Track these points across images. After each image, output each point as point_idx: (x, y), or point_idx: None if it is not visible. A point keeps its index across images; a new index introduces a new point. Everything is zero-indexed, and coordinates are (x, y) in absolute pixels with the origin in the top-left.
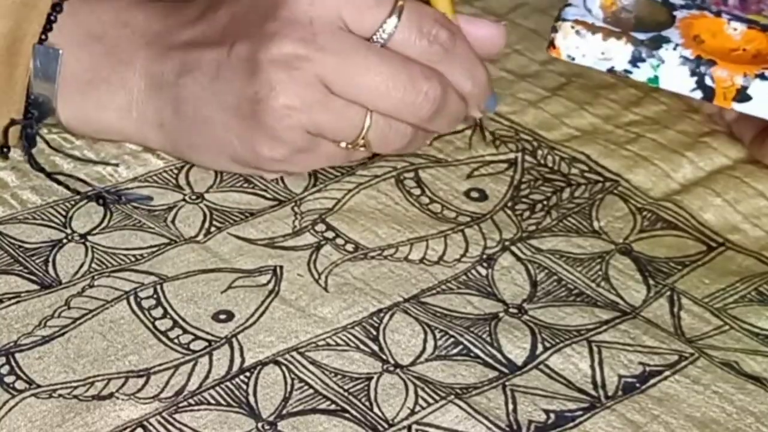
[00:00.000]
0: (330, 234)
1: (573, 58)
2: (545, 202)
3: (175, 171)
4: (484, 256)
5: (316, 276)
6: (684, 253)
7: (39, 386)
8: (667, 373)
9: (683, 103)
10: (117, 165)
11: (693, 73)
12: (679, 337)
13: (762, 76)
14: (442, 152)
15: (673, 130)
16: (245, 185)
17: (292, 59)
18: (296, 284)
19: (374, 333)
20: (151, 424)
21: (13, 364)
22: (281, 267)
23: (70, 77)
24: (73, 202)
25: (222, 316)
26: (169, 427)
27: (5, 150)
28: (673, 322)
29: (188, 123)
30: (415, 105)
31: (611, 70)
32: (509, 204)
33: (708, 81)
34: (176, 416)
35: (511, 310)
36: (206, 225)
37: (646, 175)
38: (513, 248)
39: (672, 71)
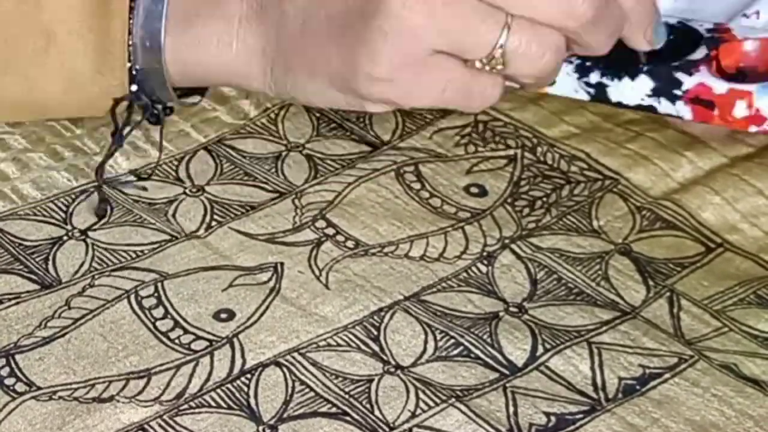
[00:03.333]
0: (330, 231)
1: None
2: (545, 199)
3: (175, 163)
4: (485, 254)
5: (317, 273)
6: (683, 255)
7: (39, 388)
8: (666, 375)
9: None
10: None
11: None
12: (678, 339)
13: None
14: (442, 147)
15: (672, 129)
16: (245, 177)
17: None
18: (297, 282)
19: (375, 333)
20: (151, 427)
21: (13, 365)
22: (282, 264)
23: (168, 15)
24: (73, 196)
25: (223, 315)
26: (170, 430)
27: (120, 138)
28: (673, 323)
29: (290, 41)
30: (570, 5)
31: None
32: (509, 200)
33: None
34: (177, 419)
35: (511, 309)
36: (207, 219)
37: (645, 174)
38: (513, 246)
39: None
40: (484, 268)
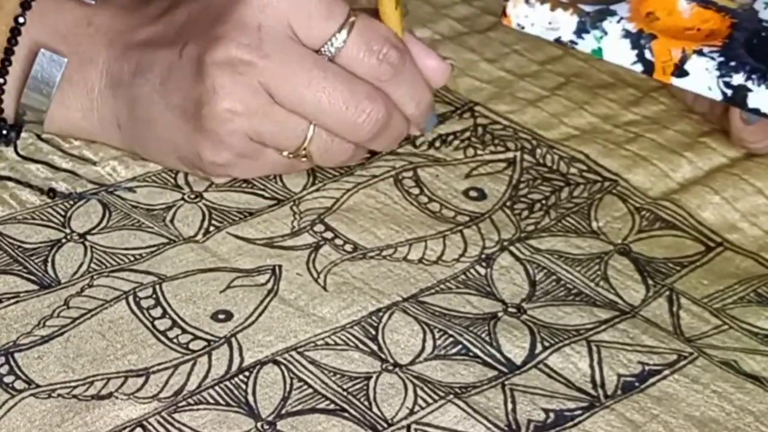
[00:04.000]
0: (329, 234)
1: (522, 27)
2: (544, 202)
3: (174, 171)
4: (483, 256)
5: (315, 275)
6: (682, 254)
7: (38, 386)
8: (666, 372)
9: (682, 103)
10: (95, 163)
11: (634, 46)
12: (678, 337)
13: (700, 52)
14: (441, 151)
15: (671, 129)
16: (244, 185)
17: (236, 63)
18: (295, 284)
19: (373, 332)
20: (150, 423)
21: (13, 364)
22: (280, 266)
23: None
24: (72, 202)
25: (221, 316)
26: (169, 426)
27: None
28: (672, 321)
29: (140, 123)
30: (356, 125)
31: (558, 40)
32: (508, 203)
33: (648, 55)
34: (175, 416)
35: (510, 309)
36: (205, 224)
37: (645, 175)
38: (512, 248)
39: (614, 44)
40: (482, 270)
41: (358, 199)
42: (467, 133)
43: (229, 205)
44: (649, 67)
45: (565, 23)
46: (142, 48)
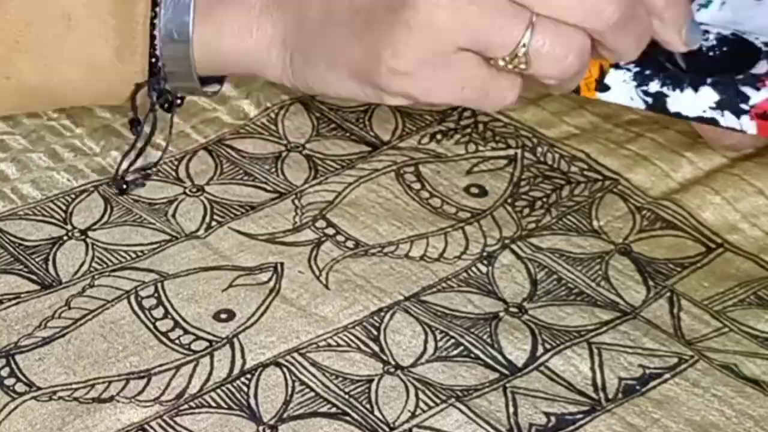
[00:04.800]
0: (330, 231)
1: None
2: (545, 200)
3: (175, 163)
4: (485, 254)
5: (317, 273)
6: (683, 255)
7: (39, 388)
8: (666, 375)
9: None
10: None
11: None
12: (678, 339)
13: (617, 66)
14: (442, 147)
15: (672, 129)
16: (245, 177)
17: None
18: (297, 282)
19: (375, 333)
20: (151, 427)
21: (14, 366)
22: (282, 264)
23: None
24: (73, 196)
25: (223, 316)
26: (170, 430)
27: (138, 126)
28: (673, 323)
29: (312, 32)
30: (596, 7)
31: None
32: (509, 200)
33: None
34: (177, 419)
35: (511, 309)
36: (207, 219)
37: (645, 175)
38: (513, 246)
39: None
40: (484, 269)
41: (359, 192)
42: (468, 129)
43: (230, 198)
44: (576, 87)
45: None
46: None
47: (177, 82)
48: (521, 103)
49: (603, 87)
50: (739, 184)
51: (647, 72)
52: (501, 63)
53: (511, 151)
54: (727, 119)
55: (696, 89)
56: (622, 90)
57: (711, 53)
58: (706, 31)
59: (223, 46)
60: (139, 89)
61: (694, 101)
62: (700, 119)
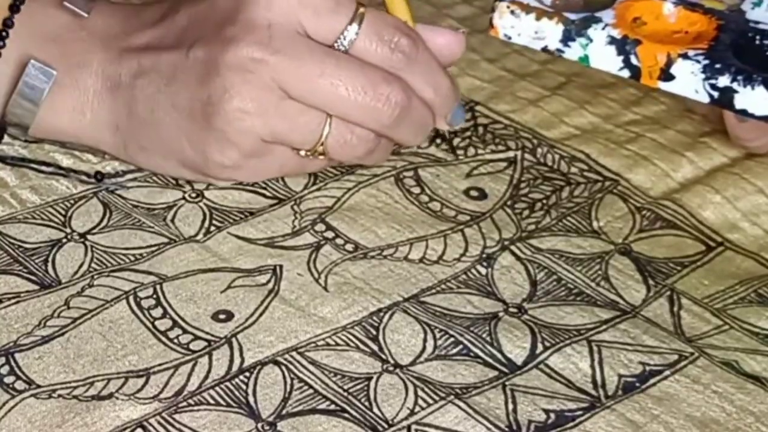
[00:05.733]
0: (330, 234)
1: (509, 37)
2: (545, 201)
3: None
4: (484, 256)
5: (316, 275)
6: (683, 254)
7: (39, 386)
8: (667, 372)
9: (683, 103)
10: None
11: (620, 52)
12: (679, 337)
13: (685, 56)
14: (442, 151)
15: (672, 129)
16: (245, 183)
17: (247, 62)
18: (296, 284)
19: (374, 333)
20: (150, 424)
21: (13, 364)
22: (281, 266)
23: None
24: (72, 201)
25: (222, 316)
26: (169, 427)
27: None
28: (673, 321)
29: (141, 125)
30: (376, 109)
31: (545, 49)
32: (509, 203)
33: (634, 60)
34: (176, 416)
35: (510, 309)
36: (206, 224)
37: (645, 175)
38: (512, 248)
39: (600, 50)
40: (483, 270)
41: (359, 198)
42: (468, 132)
43: (229, 204)
44: (635, 73)
45: (550, 32)
46: (141, 51)
47: (11, 128)
48: (519, 104)
49: (668, 76)
50: (740, 183)
51: (717, 65)
52: (303, 153)
53: (511, 153)
54: None
55: None
56: (689, 81)
57: None
58: (767, 31)
59: (61, 121)
60: None
61: (765, 100)
62: (766, 118)
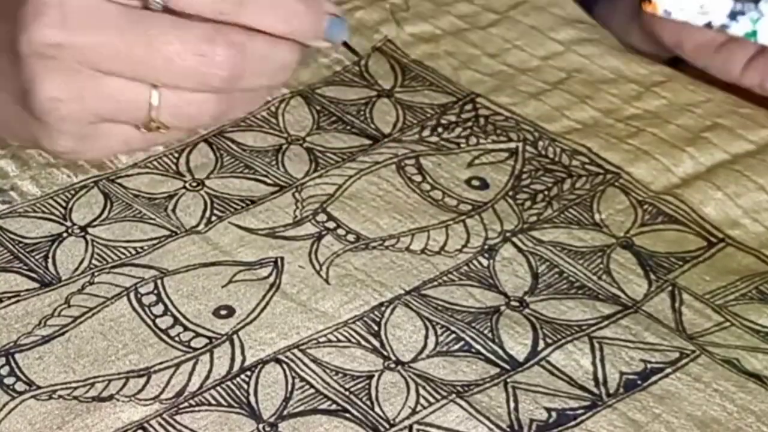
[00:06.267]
0: (331, 224)
1: (669, 13)
2: (546, 193)
3: (176, 155)
4: (486, 247)
5: (317, 268)
6: (684, 249)
7: (39, 387)
8: (668, 370)
9: (685, 97)
10: None
11: None
12: (680, 334)
13: None
14: (443, 139)
15: (673, 124)
16: (246, 171)
17: (44, 49)
18: (297, 277)
19: (375, 328)
20: (151, 425)
21: (13, 365)
22: (282, 259)
23: None
24: (73, 192)
25: (223, 312)
26: (170, 428)
27: None
28: (675, 317)
29: None
30: (201, 74)
31: (708, 25)
32: (510, 193)
33: None
34: (177, 417)
35: (512, 303)
36: (207, 214)
37: (647, 169)
38: (514, 239)
39: None
40: (485, 262)
41: (360, 185)
42: (469, 123)
43: (230, 192)
44: None
45: (717, 6)
46: None
47: None
48: (520, 97)
49: None
50: (741, 180)
51: None
52: (143, 129)
53: (512, 144)
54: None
55: None
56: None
57: None
58: None
59: None
60: None
61: None
62: None
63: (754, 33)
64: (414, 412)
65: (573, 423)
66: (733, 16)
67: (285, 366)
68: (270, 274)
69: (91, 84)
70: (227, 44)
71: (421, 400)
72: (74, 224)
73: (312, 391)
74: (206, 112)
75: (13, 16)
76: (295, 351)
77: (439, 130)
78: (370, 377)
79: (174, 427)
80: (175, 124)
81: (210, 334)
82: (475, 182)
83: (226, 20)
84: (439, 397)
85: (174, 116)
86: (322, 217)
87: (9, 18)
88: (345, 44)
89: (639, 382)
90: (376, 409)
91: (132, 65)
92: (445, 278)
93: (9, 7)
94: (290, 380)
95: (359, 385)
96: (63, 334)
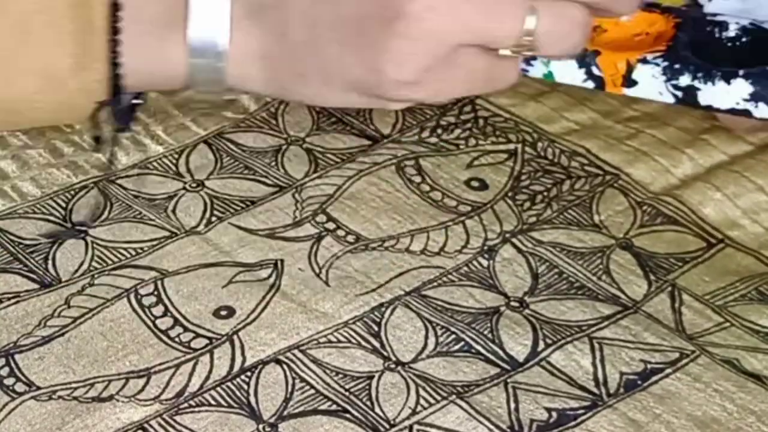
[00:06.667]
0: (331, 225)
1: None
2: (545, 194)
3: (175, 156)
4: (486, 248)
5: (317, 270)
6: (684, 250)
7: (39, 388)
8: (668, 370)
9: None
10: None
11: (581, 65)
12: (680, 334)
13: (644, 60)
14: (443, 141)
15: (672, 126)
16: (246, 171)
17: None
18: (297, 278)
19: (376, 329)
20: (151, 426)
21: (13, 365)
22: (282, 261)
23: (148, 20)
24: (72, 193)
25: (223, 312)
26: (170, 429)
27: (98, 139)
28: (675, 317)
29: (297, 48)
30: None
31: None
32: (510, 194)
33: (595, 71)
34: (177, 418)
35: (512, 303)
36: (207, 215)
37: (646, 170)
38: (514, 240)
39: (562, 66)
40: (485, 262)
41: (360, 186)
42: (468, 124)
43: (230, 193)
44: (599, 83)
45: None
46: None
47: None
48: (519, 98)
49: (630, 83)
50: (740, 180)
51: (676, 66)
52: (506, 52)
53: (511, 146)
54: (761, 110)
55: (728, 81)
56: (651, 85)
57: (732, 44)
58: (725, 23)
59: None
60: (102, 106)
61: (727, 94)
62: (733, 111)
63: (550, 74)
64: (414, 412)
65: (573, 423)
66: (527, 61)
67: (285, 366)
68: (270, 276)
69: None
70: None
71: (421, 401)
72: (74, 225)
73: (312, 391)
74: (579, 32)
75: None
76: (296, 351)
77: (439, 131)
78: (371, 378)
79: (174, 428)
80: (546, 47)
81: (210, 334)
82: (475, 183)
83: None
84: (439, 397)
85: (545, 37)
86: (321, 218)
87: None
88: None
89: (639, 382)
90: (377, 409)
91: None
92: (444, 279)
93: None
94: (290, 381)
95: (359, 386)
96: (63, 334)
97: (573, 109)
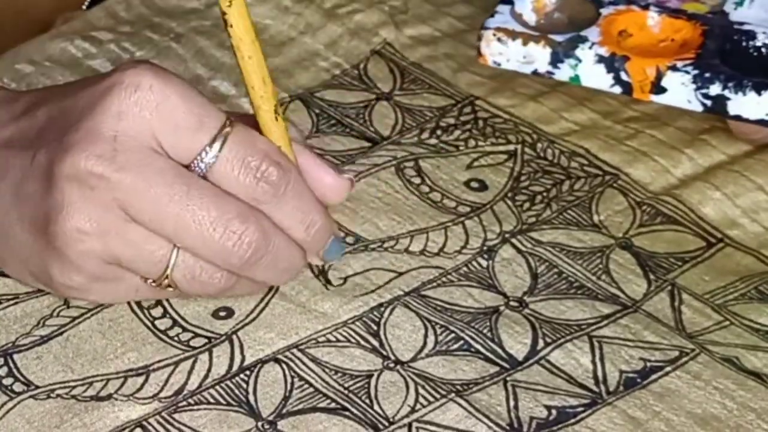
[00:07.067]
0: None
1: (499, 64)
2: (545, 194)
3: None
4: (485, 248)
5: (317, 271)
6: (683, 249)
7: (37, 387)
8: (668, 368)
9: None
10: None
11: (609, 70)
12: (680, 332)
13: (674, 68)
14: (442, 142)
15: (672, 126)
16: None
17: (87, 177)
18: (296, 279)
19: (375, 328)
20: (150, 424)
21: (11, 365)
22: None
23: None
24: None
25: (222, 313)
26: (169, 427)
27: None
28: (674, 316)
29: None
30: (225, 248)
31: (536, 72)
32: (509, 195)
33: (624, 76)
34: (175, 416)
35: (511, 303)
36: None
37: (645, 170)
38: (513, 240)
39: (590, 69)
40: (484, 263)
41: (359, 187)
42: (468, 125)
43: None
44: (627, 88)
45: (539, 56)
46: (1, 149)
47: None
48: (519, 99)
49: (659, 89)
50: (739, 180)
51: (707, 74)
52: (152, 283)
53: (511, 147)
54: None
55: (759, 92)
56: (680, 93)
57: (759, 53)
58: (752, 32)
59: None
60: None
61: (757, 105)
62: (762, 122)
63: (577, 77)
64: (413, 410)
65: (573, 420)
66: (555, 63)
67: (284, 365)
68: None
69: (119, 226)
70: (258, 229)
71: (421, 399)
72: None
73: (311, 389)
74: (215, 284)
75: (55, 141)
76: (295, 351)
77: (438, 132)
78: (370, 376)
79: (173, 426)
80: (184, 288)
81: (209, 334)
82: (474, 184)
83: (258, 207)
84: (438, 395)
85: (185, 280)
86: None
87: (49, 143)
88: (320, 272)
89: (639, 380)
90: (375, 407)
91: (163, 219)
92: (444, 279)
93: (50, 133)
94: (289, 379)
95: (358, 384)
96: (61, 333)
97: (572, 110)
